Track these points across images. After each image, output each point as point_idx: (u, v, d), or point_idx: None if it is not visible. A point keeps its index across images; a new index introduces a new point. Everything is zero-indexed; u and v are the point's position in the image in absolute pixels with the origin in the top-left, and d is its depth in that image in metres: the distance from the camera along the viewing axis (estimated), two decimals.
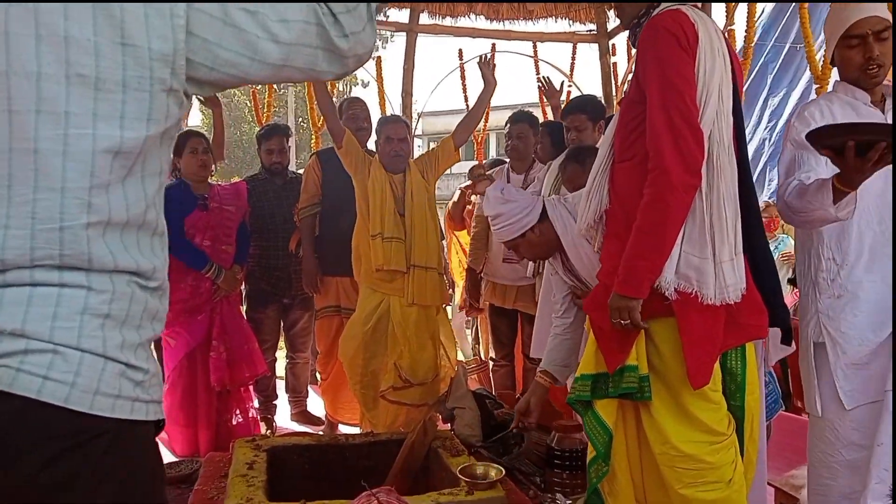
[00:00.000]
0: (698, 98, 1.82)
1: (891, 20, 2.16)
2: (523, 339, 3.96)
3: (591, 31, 5.57)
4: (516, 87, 10.53)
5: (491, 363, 4.25)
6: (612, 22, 5.59)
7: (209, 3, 1.02)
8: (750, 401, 1.97)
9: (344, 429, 4.01)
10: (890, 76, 2.23)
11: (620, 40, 5.44)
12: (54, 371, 0.93)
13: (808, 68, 5.25)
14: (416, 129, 5.66)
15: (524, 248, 2.68)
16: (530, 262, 3.45)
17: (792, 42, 8.37)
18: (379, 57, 5.51)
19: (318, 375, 4.43)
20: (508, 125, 3.93)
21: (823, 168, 2.08)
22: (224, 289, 3.60)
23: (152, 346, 1.11)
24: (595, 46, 5.52)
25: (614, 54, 5.44)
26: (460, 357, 4.67)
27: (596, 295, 2.04)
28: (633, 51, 5.04)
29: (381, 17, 5.82)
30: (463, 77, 5.86)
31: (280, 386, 4.47)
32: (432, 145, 4.16)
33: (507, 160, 4.13)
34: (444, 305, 3.78)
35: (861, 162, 1.79)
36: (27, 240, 0.94)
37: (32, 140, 0.93)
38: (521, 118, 3.91)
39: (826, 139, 1.84)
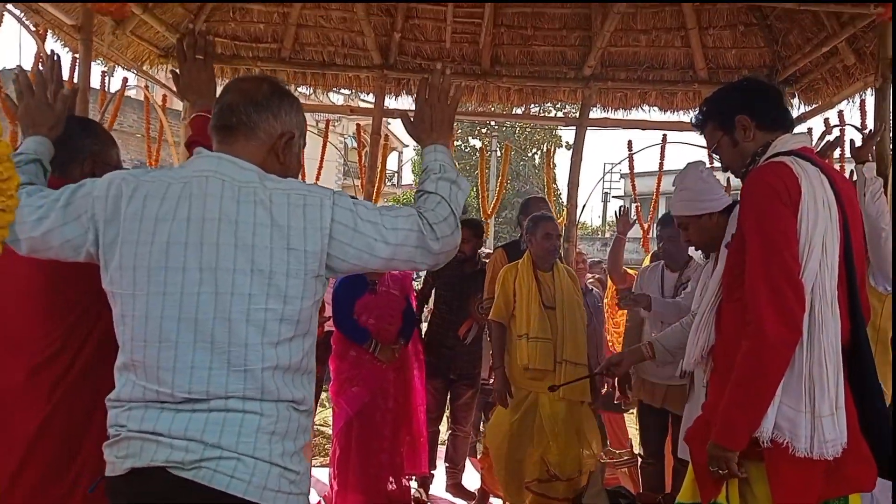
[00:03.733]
0: (800, 252, 1.85)
1: None
2: (673, 438, 3.93)
3: None
4: None
5: (639, 460, 4.25)
6: (795, 110, 5.43)
7: (345, 215, 1.52)
8: None
9: (495, 502, 4.21)
10: None
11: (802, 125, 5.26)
12: (238, 473, 1.40)
13: None
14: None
15: (694, 229, 2.77)
16: (690, 361, 3.47)
17: None
18: (548, 150, 5.80)
19: (478, 447, 4.69)
20: (659, 227, 4.02)
21: None
22: (382, 360, 4.01)
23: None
24: None
25: None
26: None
27: (698, 428, 2.11)
28: (815, 140, 4.91)
29: (553, 114, 6.15)
30: (631, 167, 5.97)
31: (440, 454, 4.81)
32: None
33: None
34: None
35: None
36: (224, 378, 1.42)
37: (228, 312, 1.43)
38: (670, 221, 3.96)
39: None
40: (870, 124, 4.35)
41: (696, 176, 2.77)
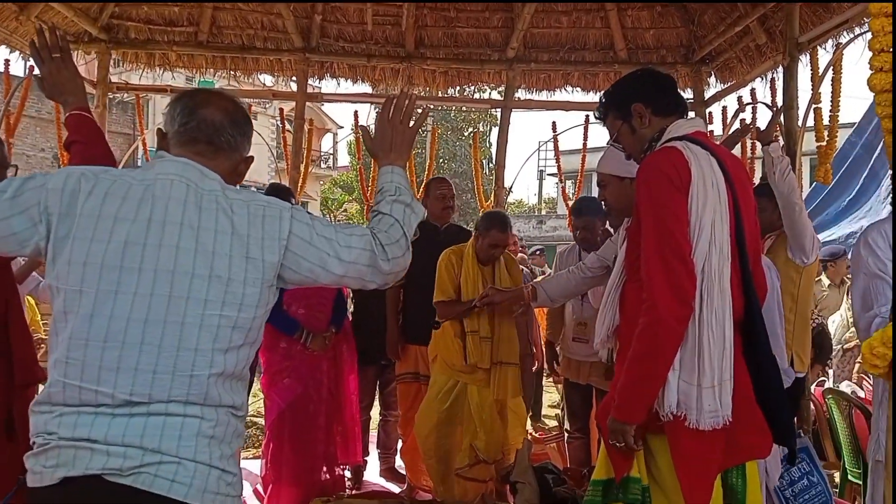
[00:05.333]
0: (691, 232, 1.92)
1: None
2: (597, 412, 4.04)
3: (688, 99, 5.57)
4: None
5: (566, 434, 4.36)
6: (711, 89, 5.60)
7: (302, 229, 1.57)
8: None
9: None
10: None
11: (717, 109, 5.43)
12: (179, 476, 1.41)
13: None
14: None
15: (613, 189, 2.69)
16: (597, 340, 3.54)
17: None
18: (475, 132, 5.82)
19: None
20: (574, 217, 4.10)
21: None
22: (313, 350, 3.97)
23: None
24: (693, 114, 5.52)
25: (711, 122, 5.43)
26: (529, 428, 4.81)
27: (605, 406, 2.18)
28: (729, 118, 5.05)
29: (478, 96, 6.18)
30: (556, 148, 6.05)
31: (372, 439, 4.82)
32: None
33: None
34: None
35: None
36: (168, 382, 1.42)
37: (182, 315, 1.44)
38: (583, 210, 4.05)
39: None
40: (780, 101, 4.51)
41: (619, 152, 2.79)
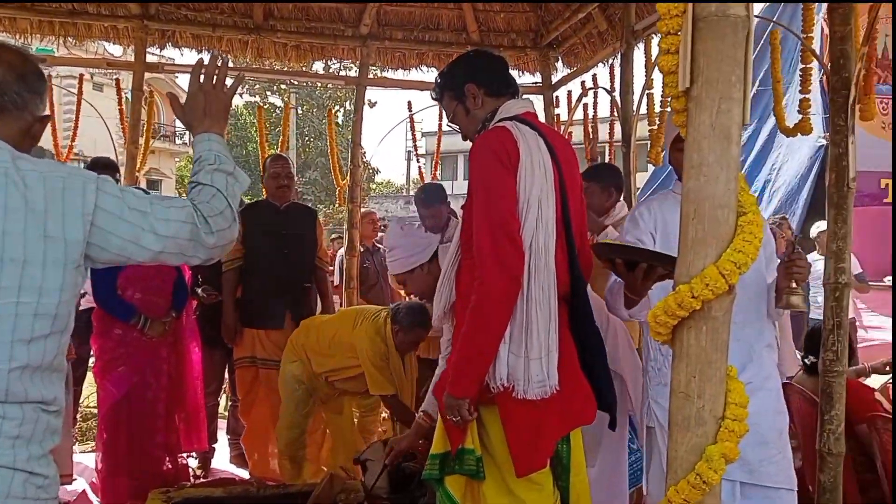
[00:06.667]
0: (519, 210, 1.99)
1: None
2: (433, 387, 4.13)
3: (536, 83, 5.76)
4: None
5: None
6: (558, 73, 5.80)
7: (110, 201, 1.42)
8: (576, 482, 2.15)
9: None
10: None
11: (563, 93, 5.64)
12: None
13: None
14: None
15: (412, 282, 2.94)
16: (434, 317, 3.64)
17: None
18: (329, 109, 5.73)
19: None
20: (418, 208, 4.16)
21: None
22: (151, 336, 3.77)
23: None
24: (541, 97, 5.72)
25: (558, 106, 5.64)
26: None
27: (441, 381, 2.22)
28: (574, 102, 5.26)
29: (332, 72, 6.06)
30: (412, 128, 6.07)
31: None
32: None
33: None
34: None
35: (632, 277, 1.96)
36: None
37: None
38: (426, 201, 4.11)
39: (599, 253, 2.04)
40: (618, 87, 4.75)
41: (397, 235, 2.94)
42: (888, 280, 6.16)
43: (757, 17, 4.64)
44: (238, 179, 1.64)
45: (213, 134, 1.67)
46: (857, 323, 5.83)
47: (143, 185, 6.75)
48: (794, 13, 6.24)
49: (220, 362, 4.45)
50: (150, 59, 5.34)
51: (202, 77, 1.71)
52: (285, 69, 5.78)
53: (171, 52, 5.33)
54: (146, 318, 3.74)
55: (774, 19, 5.95)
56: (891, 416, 3.00)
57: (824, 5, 3.95)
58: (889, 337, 5.60)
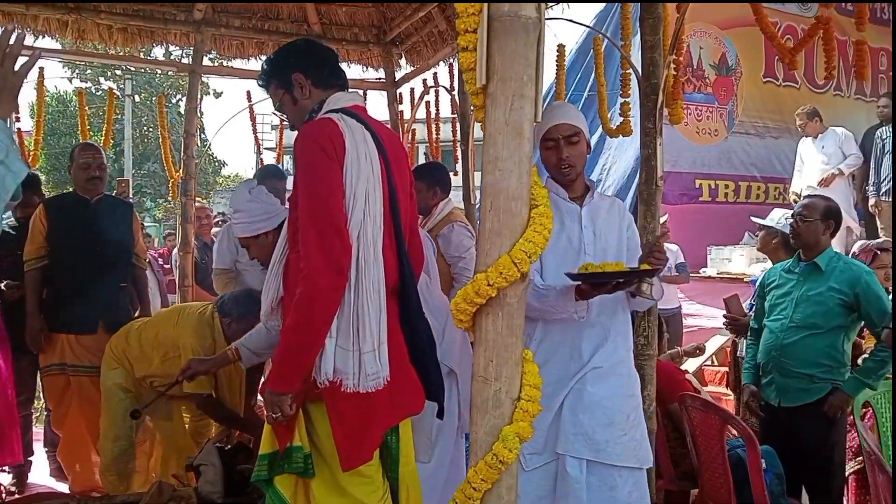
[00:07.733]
0: (346, 203, 1.96)
1: (580, 127, 2.44)
2: (261, 387, 4.05)
3: (380, 79, 5.78)
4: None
5: None
6: (401, 70, 5.85)
7: None
8: (404, 472, 2.17)
9: None
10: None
11: (406, 90, 5.70)
12: None
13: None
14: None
15: (254, 248, 2.88)
16: (262, 312, 3.56)
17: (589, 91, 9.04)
18: (160, 96, 5.44)
19: None
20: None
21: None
22: None
23: None
24: (385, 94, 5.74)
25: (401, 102, 5.69)
26: None
27: (268, 380, 2.18)
28: (416, 98, 5.32)
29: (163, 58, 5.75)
30: (252, 118, 5.90)
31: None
32: None
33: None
34: None
35: (597, 293, 2.20)
36: None
37: None
38: (267, 177, 4.03)
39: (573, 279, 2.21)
40: (457, 86, 4.87)
41: (244, 198, 2.85)
42: (703, 271, 6.76)
43: (583, 24, 4.95)
44: (11, 169, 1.48)
45: None
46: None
47: None
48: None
49: (28, 369, 4.04)
50: None
51: None
52: (111, 53, 5.40)
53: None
54: None
55: (602, 29, 6.34)
56: (699, 395, 3.31)
57: None
58: (707, 323, 6.12)
